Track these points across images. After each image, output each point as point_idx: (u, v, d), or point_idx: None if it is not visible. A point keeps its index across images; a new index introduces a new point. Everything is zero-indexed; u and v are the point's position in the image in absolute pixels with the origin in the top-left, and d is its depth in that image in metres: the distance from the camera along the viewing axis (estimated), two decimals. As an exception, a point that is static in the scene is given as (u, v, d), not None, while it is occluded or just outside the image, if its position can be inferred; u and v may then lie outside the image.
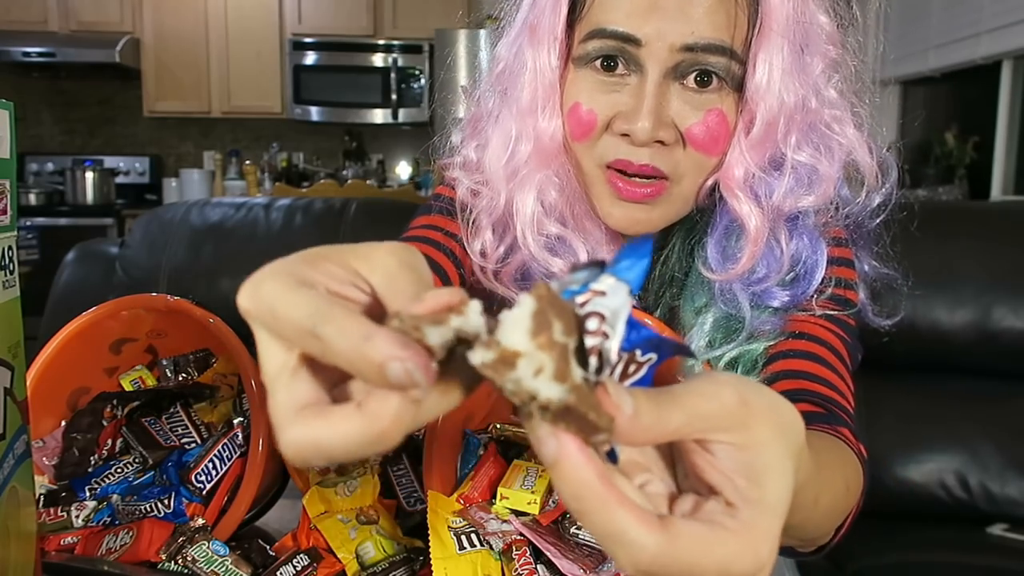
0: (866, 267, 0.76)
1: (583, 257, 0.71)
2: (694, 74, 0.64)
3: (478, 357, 0.25)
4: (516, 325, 0.25)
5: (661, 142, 0.64)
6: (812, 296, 0.70)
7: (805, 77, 0.65)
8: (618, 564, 0.27)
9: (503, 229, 0.75)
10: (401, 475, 0.74)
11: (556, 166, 0.70)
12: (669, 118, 0.64)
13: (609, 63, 0.65)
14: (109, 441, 0.78)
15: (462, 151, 0.78)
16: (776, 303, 0.68)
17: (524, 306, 0.25)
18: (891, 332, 0.78)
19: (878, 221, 0.73)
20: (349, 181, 3.61)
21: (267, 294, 0.28)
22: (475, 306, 0.27)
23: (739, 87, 0.65)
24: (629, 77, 0.65)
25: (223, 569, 0.63)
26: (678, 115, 0.64)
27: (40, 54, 4.24)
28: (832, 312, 0.71)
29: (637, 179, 0.66)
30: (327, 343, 0.27)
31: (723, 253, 0.68)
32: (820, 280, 0.69)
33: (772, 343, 0.69)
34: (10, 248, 0.49)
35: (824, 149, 0.67)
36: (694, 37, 0.62)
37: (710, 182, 0.69)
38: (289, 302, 0.28)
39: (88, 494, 0.73)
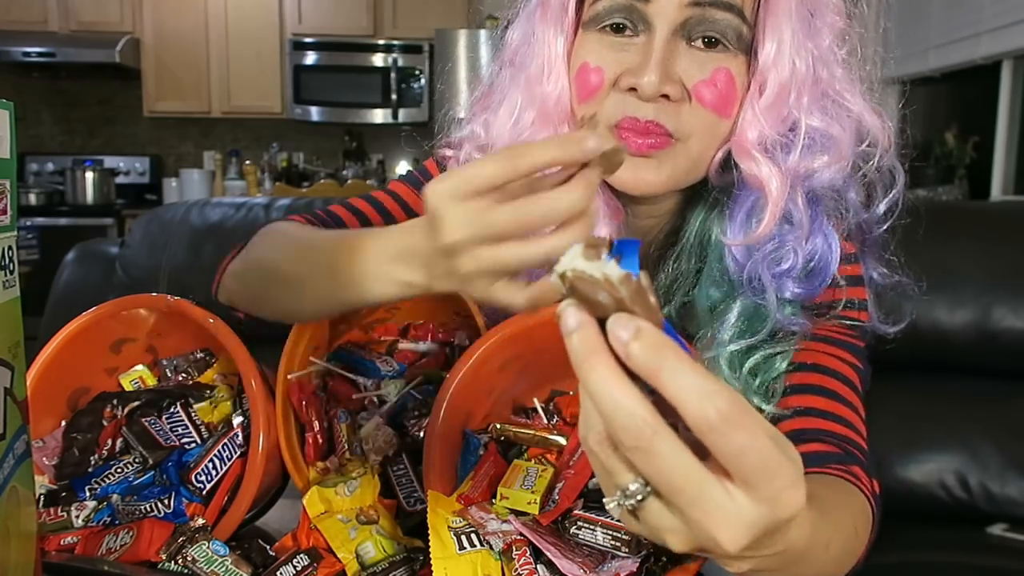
0: (875, 275, 0.75)
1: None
2: (702, 34, 0.64)
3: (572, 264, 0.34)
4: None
5: (667, 97, 0.63)
6: (826, 313, 0.69)
7: (815, 44, 0.65)
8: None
9: None
10: (401, 475, 0.74)
11: (560, 131, 0.70)
12: (676, 75, 0.64)
13: (618, 26, 0.65)
14: (109, 441, 0.78)
15: (470, 126, 0.77)
16: (789, 295, 0.67)
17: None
18: (896, 339, 0.78)
19: (886, 227, 0.72)
20: (349, 181, 3.62)
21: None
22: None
23: (748, 50, 0.65)
24: (637, 37, 0.65)
25: (223, 569, 0.63)
26: (685, 72, 0.64)
27: (40, 54, 4.24)
28: (845, 339, 0.70)
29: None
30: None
31: (747, 234, 0.67)
32: (832, 275, 0.68)
33: (791, 369, 0.68)
34: (10, 248, 0.49)
35: (835, 114, 0.66)
36: None
37: (721, 154, 0.67)
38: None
39: (88, 494, 0.73)
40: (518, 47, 0.72)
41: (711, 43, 0.64)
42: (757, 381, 0.68)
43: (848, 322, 0.71)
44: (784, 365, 0.68)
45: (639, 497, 0.34)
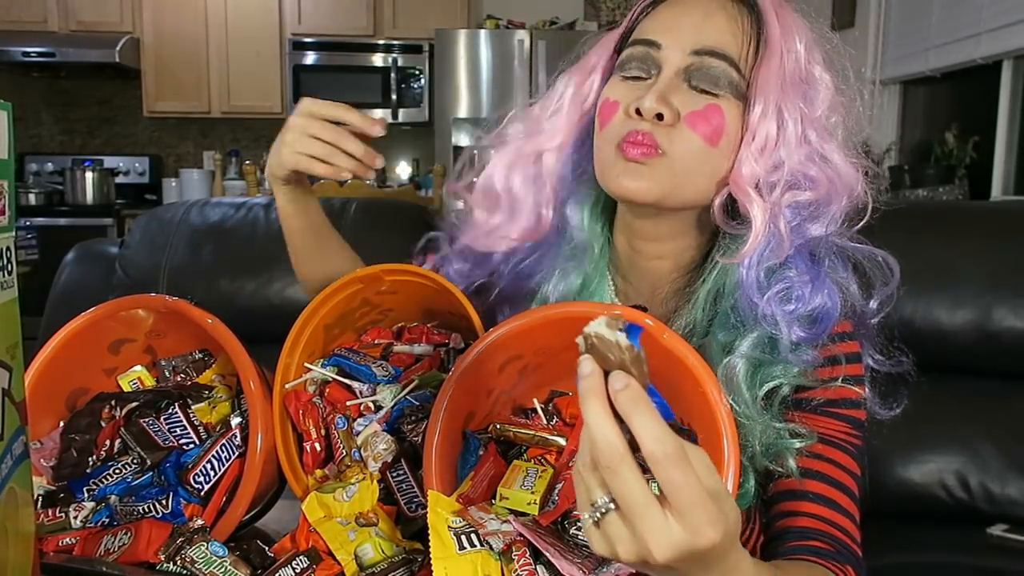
0: (870, 361, 0.81)
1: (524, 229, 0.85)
2: (700, 80, 0.75)
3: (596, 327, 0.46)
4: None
5: (661, 116, 0.73)
6: (826, 377, 0.77)
7: (805, 106, 0.75)
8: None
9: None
10: (401, 480, 0.73)
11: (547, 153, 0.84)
12: (673, 104, 0.74)
13: (637, 76, 0.78)
14: (107, 442, 0.78)
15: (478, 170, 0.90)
16: (795, 337, 0.74)
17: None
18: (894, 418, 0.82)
19: (878, 318, 0.80)
20: (349, 181, 3.61)
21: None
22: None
23: (742, 98, 0.75)
24: (649, 79, 0.77)
25: (222, 570, 0.63)
26: (682, 103, 0.74)
27: (40, 54, 4.23)
28: (847, 443, 0.77)
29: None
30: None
31: (759, 283, 0.74)
32: (832, 325, 0.75)
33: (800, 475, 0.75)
34: (8, 249, 0.49)
35: (819, 163, 0.75)
36: (702, 43, 0.75)
37: (721, 198, 0.76)
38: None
39: (86, 495, 0.73)
40: (542, 98, 0.88)
41: (708, 89, 0.75)
42: (775, 408, 0.75)
43: (849, 418, 0.78)
44: (795, 448, 0.75)
45: (604, 510, 0.45)
